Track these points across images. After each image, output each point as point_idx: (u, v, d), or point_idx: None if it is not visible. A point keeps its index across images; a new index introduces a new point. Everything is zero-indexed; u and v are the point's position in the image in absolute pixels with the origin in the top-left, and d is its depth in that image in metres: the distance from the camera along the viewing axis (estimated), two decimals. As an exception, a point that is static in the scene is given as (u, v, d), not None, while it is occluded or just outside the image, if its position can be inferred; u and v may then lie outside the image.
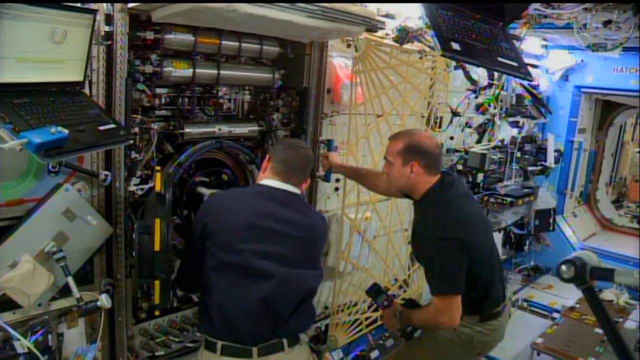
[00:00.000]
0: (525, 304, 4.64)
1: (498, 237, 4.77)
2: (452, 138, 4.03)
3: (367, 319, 3.28)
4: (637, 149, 6.82)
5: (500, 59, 2.45)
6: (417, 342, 2.44)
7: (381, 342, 3.47)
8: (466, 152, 4.14)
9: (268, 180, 2.01)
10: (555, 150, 5.14)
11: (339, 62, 2.87)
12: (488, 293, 2.26)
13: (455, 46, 2.27)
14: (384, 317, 2.41)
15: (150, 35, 2.07)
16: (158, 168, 2.08)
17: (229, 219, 1.88)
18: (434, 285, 2.14)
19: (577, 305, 4.12)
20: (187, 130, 2.28)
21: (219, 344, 1.87)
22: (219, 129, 2.39)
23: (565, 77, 5.06)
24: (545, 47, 4.89)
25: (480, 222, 2.28)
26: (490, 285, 2.27)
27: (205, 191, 2.44)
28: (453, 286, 2.08)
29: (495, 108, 4.44)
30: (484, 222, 2.30)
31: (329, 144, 2.84)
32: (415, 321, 2.29)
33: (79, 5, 1.71)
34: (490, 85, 4.30)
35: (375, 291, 2.36)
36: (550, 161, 5.08)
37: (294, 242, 1.93)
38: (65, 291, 1.89)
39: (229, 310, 1.85)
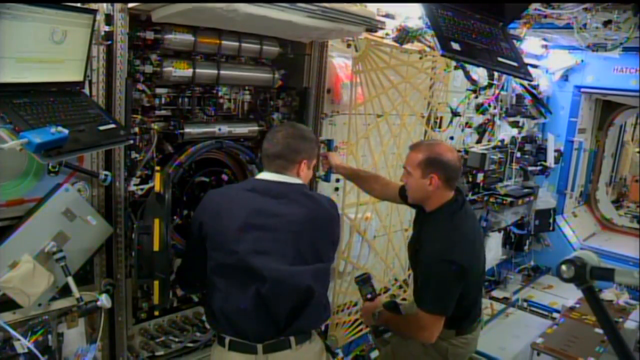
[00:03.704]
0: (525, 304, 4.64)
1: (498, 237, 4.78)
2: (452, 138, 4.04)
3: (367, 319, 3.28)
4: (637, 149, 6.82)
5: (500, 59, 2.45)
6: (391, 354, 2.45)
7: (381, 342, 3.47)
8: (466, 152, 4.14)
9: (263, 173, 1.97)
10: (555, 150, 5.14)
11: (339, 62, 2.87)
12: (470, 311, 2.28)
13: (455, 46, 2.27)
14: (363, 309, 2.41)
15: (150, 35, 2.07)
16: (158, 168, 2.08)
17: (224, 220, 1.85)
18: (425, 301, 2.12)
19: (577, 305, 4.12)
20: (187, 130, 2.28)
21: (227, 339, 1.88)
22: (219, 129, 2.39)
23: (565, 77, 5.07)
24: (545, 47, 4.89)
25: (482, 247, 2.30)
26: (474, 304, 2.31)
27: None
28: (443, 308, 2.09)
29: (495, 108, 4.44)
30: (483, 246, 2.33)
31: (329, 144, 2.83)
32: (392, 326, 2.29)
33: (79, 5, 1.71)
34: (490, 86, 4.30)
35: (363, 281, 2.37)
36: (550, 161, 5.08)
37: (291, 237, 1.85)
38: (65, 291, 1.89)
39: (229, 310, 1.85)
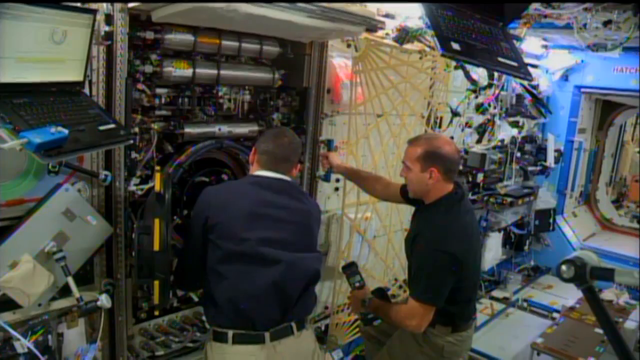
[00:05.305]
0: (525, 304, 4.64)
1: (498, 237, 4.78)
2: (452, 138, 4.03)
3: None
4: (637, 149, 6.82)
5: (500, 59, 2.45)
6: (387, 353, 2.46)
7: (381, 342, 3.47)
8: (466, 152, 4.14)
9: (259, 171, 2.06)
10: (555, 150, 5.14)
11: (339, 62, 2.87)
12: (464, 308, 2.29)
13: (455, 46, 2.26)
14: (351, 298, 2.42)
15: (150, 35, 2.07)
16: (158, 168, 2.08)
17: (230, 210, 1.92)
18: (417, 289, 2.14)
19: (577, 305, 4.11)
20: (187, 130, 2.28)
21: (230, 333, 1.90)
22: (219, 129, 2.39)
23: (565, 77, 5.06)
24: (545, 47, 4.89)
25: (478, 243, 2.33)
26: (469, 301, 2.32)
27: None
28: (435, 298, 2.10)
29: (495, 108, 4.44)
30: (479, 242, 2.34)
31: (329, 144, 2.84)
32: (382, 314, 2.29)
33: (79, 5, 1.71)
34: (490, 86, 4.29)
35: (351, 270, 2.39)
36: (550, 161, 5.08)
37: (293, 228, 1.99)
38: (65, 291, 1.89)
39: (239, 298, 1.88)
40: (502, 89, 4.49)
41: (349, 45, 2.87)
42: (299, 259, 1.96)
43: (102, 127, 1.75)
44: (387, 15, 2.86)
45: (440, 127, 3.79)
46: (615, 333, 1.40)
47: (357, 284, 2.36)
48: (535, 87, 4.93)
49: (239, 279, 1.89)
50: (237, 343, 1.89)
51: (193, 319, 2.48)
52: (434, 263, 2.07)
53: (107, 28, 1.84)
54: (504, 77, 4.41)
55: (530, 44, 4.49)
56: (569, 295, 4.45)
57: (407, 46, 2.90)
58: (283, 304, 1.94)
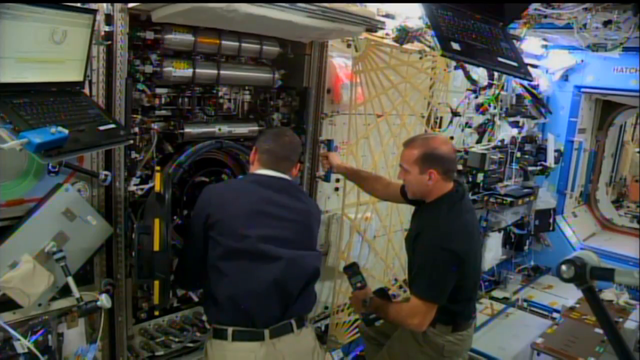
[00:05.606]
0: (525, 304, 4.64)
1: (498, 237, 4.78)
2: (452, 138, 4.03)
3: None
4: (637, 149, 6.82)
5: (500, 59, 2.45)
6: (387, 353, 2.46)
7: (381, 342, 3.47)
8: (466, 152, 4.14)
9: (259, 170, 2.07)
10: (555, 150, 5.14)
11: (339, 62, 2.87)
12: (465, 307, 2.29)
13: (455, 46, 2.27)
14: (353, 298, 2.42)
15: (150, 35, 2.07)
16: (158, 168, 2.08)
17: (232, 207, 1.93)
18: (419, 287, 2.14)
19: (577, 305, 4.11)
20: (187, 130, 2.28)
21: (230, 330, 1.91)
22: (219, 129, 2.39)
23: (565, 77, 5.06)
24: (545, 47, 4.89)
25: (479, 242, 2.34)
26: (469, 300, 2.33)
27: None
28: (437, 296, 2.10)
29: (495, 108, 4.44)
30: (480, 241, 2.34)
31: (329, 144, 2.84)
32: (383, 313, 2.29)
33: (79, 5, 1.71)
34: (490, 85, 4.29)
35: (352, 270, 2.39)
36: (550, 161, 5.08)
37: (294, 226, 2.01)
38: (65, 291, 1.89)
39: (239, 295, 1.89)
40: (502, 88, 4.48)
41: (349, 45, 2.87)
42: (300, 256, 1.97)
43: (102, 127, 1.75)
44: (387, 15, 2.86)
45: (440, 127, 3.79)
46: (615, 333, 1.40)
47: (359, 285, 2.36)
48: (535, 87, 4.94)
49: (240, 276, 1.89)
50: (237, 340, 1.90)
51: (193, 319, 2.48)
52: (437, 261, 2.07)
53: (107, 28, 1.85)
54: (504, 77, 4.41)
55: (530, 44, 4.49)
56: (569, 296, 4.45)
57: (407, 46, 2.90)
58: (283, 302, 1.94)
